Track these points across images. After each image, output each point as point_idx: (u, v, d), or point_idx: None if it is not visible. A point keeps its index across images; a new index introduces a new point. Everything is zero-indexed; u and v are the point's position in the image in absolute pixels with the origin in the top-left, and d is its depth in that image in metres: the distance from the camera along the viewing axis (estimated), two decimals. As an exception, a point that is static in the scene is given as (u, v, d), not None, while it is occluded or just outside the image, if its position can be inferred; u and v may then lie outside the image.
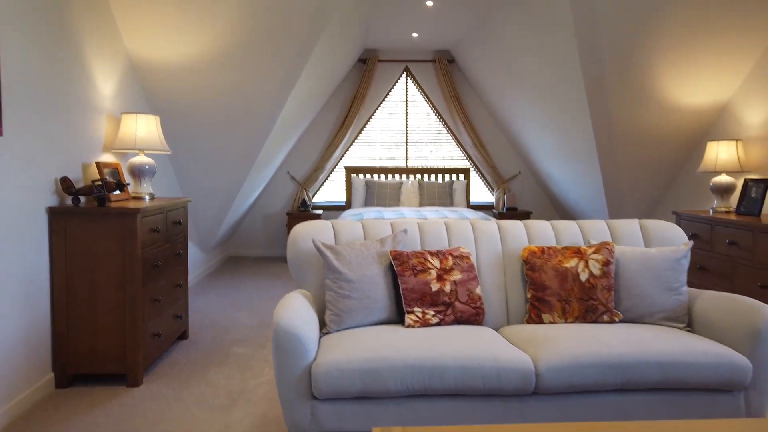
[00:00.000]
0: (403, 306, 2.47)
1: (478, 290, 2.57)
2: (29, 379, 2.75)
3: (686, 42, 4.12)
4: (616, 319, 2.50)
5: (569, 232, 2.78)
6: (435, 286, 2.49)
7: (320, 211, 7.07)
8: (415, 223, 2.81)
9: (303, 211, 6.92)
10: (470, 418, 2.11)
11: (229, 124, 4.65)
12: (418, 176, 7.23)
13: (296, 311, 2.18)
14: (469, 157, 7.36)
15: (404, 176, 7.23)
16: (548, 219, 7.34)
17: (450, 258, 2.59)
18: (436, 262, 2.55)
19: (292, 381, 2.06)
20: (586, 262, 2.54)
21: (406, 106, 7.37)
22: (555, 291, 2.54)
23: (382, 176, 7.21)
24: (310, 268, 2.60)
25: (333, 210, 7.32)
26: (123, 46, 3.85)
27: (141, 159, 3.62)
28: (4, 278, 2.56)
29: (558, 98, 5.15)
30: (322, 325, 2.45)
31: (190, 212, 5.40)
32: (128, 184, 3.28)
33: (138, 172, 3.60)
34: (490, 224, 2.82)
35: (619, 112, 4.71)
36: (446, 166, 7.36)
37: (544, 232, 2.78)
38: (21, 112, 2.68)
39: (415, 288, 2.48)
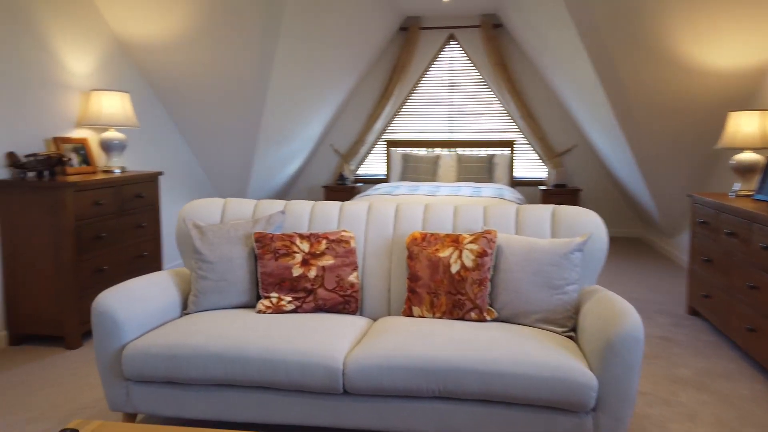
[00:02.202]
0: (259, 290, 2.38)
1: (352, 277, 2.41)
2: (-28, 335, 3.05)
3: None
4: (487, 317, 2.22)
5: (469, 217, 2.49)
6: (297, 272, 2.37)
7: (360, 184, 7.04)
8: (310, 204, 2.67)
9: (341, 185, 6.92)
10: (277, 413, 1.99)
11: (224, 97, 4.73)
12: (459, 150, 6.90)
13: (127, 291, 2.18)
14: (521, 129, 6.88)
15: (445, 150, 6.94)
16: (599, 196, 6.69)
17: (324, 242, 2.44)
18: (304, 246, 2.42)
19: (107, 360, 2.08)
20: (461, 252, 2.27)
21: (451, 76, 7.02)
22: (426, 282, 2.30)
23: (421, 150, 6.98)
24: (189, 248, 2.59)
25: (373, 183, 7.25)
26: (106, 26, 4.04)
27: (110, 134, 3.80)
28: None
29: (565, 61, 4.62)
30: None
31: (214, 185, 5.63)
32: (68, 159, 3.45)
33: (107, 147, 3.80)
34: (387, 206, 2.61)
35: (631, 77, 4.12)
36: (490, 139, 6.94)
37: (442, 214, 2.52)
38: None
39: (274, 272, 2.37)
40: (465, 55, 6.90)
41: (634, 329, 1.81)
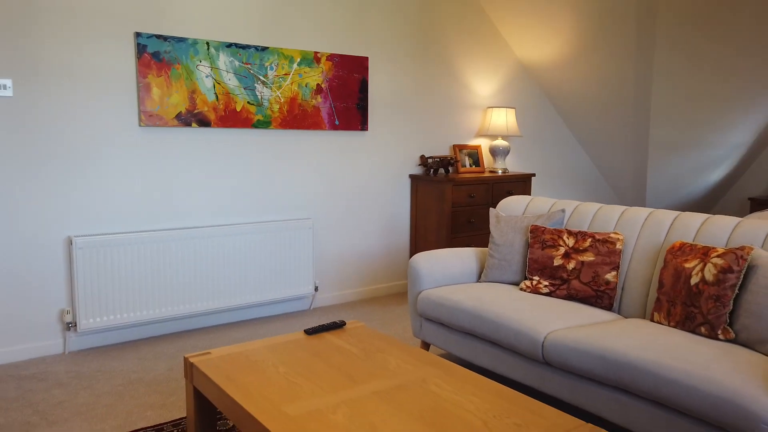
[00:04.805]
0: (526, 272, 2.85)
1: (609, 275, 2.63)
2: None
3: None
4: (721, 336, 2.09)
5: (749, 232, 2.30)
6: (558, 262, 2.75)
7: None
8: (576, 204, 2.94)
9: (777, 197, 6.06)
10: (500, 365, 2.49)
11: (608, 108, 5.02)
12: None
13: (433, 256, 3.03)
14: None
15: None
16: None
17: (589, 240, 2.72)
18: (569, 241, 2.76)
19: (412, 299, 2.99)
20: (704, 265, 2.20)
21: None
22: (667, 291, 2.32)
23: None
24: (497, 232, 3.25)
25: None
26: (510, 52, 5.00)
27: (496, 142, 4.75)
28: (376, 215, 4.37)
29: None
30: (483, 275, 3.13)
31: (613, 190, 5.97)
32: (455, 161, 4.49)
33: (494, 152, 4.77)
34: (666, 214, 2.64)
35: None
36: None
37: (719, 227, 2.41)
38: (382, 112, 4.37)
39: (539, 259, 2.81)
40: None
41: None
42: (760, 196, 6.29)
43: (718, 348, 1.99)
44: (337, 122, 4.04)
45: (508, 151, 4.74)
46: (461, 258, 3.11)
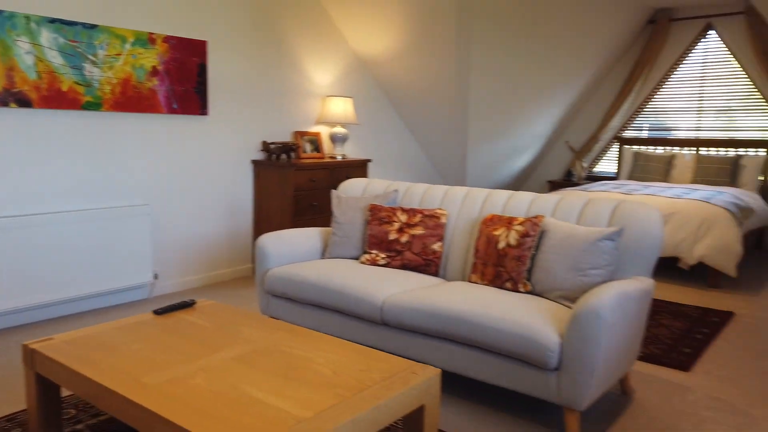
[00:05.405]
0: (365, 247, 3.14)
1: (436, 246, 2.99)
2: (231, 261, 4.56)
3: None
4: (521, 289, 2.55)
5: (540, 205, 2.80)
6: (393, 236, 3.06)
7: (588, 183, 7.07)
8: (407, 185, 3.31)
9: (567, 181, 7.10)
10: (343, 329, 2.75)
11: (433, 101, 5.54)
12: (702, 150, 6.35)
13: (279, 236, 3.19)
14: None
15: (685, 149, 6.46)
16: None
17: (419, 216, 3.07)
18: (403, 218, 3.09)
19: (259, 278, 3.12)
20: (509, 231, 2.64)
21: (703, 69, 6.46)
22: (481, 255, 2.74)
23: (657, 148, 6.63)
24: (338, 212, 3.49)
25: (602, 180, 7.17)
26: (345, 44, 5.26)
27: (335, 129, 5.00)
28: (218, 201, 4.37)
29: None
30: (326, 252, 3.36)
31: (438, 173, 6.54)
32: (297, 147, 4.67)
33: (333, 139, 5.01)
34: (479, 193, 3.07)
35: None
36: (741, 138, 6.18)
37: (520, 202, 2.88)
38: (223, 98, 4.40)
39: (377, 235, 3.11)
40: (723, 45, 6.28)
41: (598, 307, 2.01)
42: (556, 179, 7.35)
43: (519, 298, 2.42)
44: (175, 106, 3.98)
45: (346, 138, 5.01)
46: (306, 237, 3.30)
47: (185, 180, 4.15)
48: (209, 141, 4.27)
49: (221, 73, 4.29)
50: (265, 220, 4.57)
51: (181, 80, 3.99)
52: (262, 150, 4.63)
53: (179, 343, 2.01)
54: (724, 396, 2.60)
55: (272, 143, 4.54)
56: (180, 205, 4.13)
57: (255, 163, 4.59)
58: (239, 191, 4.52)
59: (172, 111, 3.96)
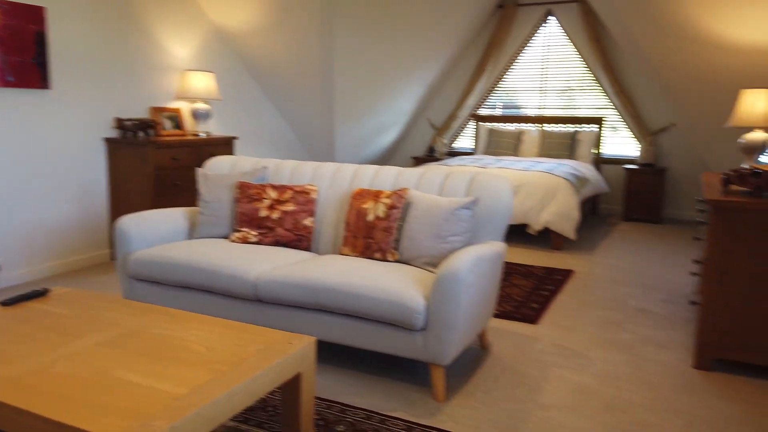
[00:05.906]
0: (235, 225, 3.11)
1: (307, 221, 3.03)
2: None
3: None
4: (390, 258, 2.69)
5: (405, 178, 2.95)
6: (264, 213, 3.05)
7: (449, 158, 7.47)
8: (276, 162, 3.32)
9: (429, 156, 7.44)
10: (215, 309, 2.72)
11: (299, 78, 5.52)
12: (547, 126, 6.98)
13: (141, 217, 3.04)
14: (615, 107, 6.74)
15: (532, 126, 7.07)
16: (689, 176, 6.36)
17: (290, 192, 3.08)
18: (273, 194, 3.09)
19: (120, 262, 2.97)
20: (377, 204, 2.76)
21: (546, 52, 7.07)
22: (352, 228, 2.84)
23: (508, 125, 7.18)
24: (204, 191, 3.40)
25: (461, 156, 7.62)
26: (204, 16, 5.04)
27: (197, 105, 4.80)
28: (67, 182, 4.03)
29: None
30: (193, 232, 3.26)
31: (306, 149, 6.54)
32: (155, 124, 4.45)
33: (195, 115, 4.81)
34: (348, 168, 3.16)
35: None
36: (579, 116, 6.89)
37: (385, 176, 3.01)
38: (67, 70, 4.05)
39: (247, 213, 3.08)
40: (562, 30, 6.90)
41: (457, 270, 2.19)
42: (420, 155, 7.69)
43: (388, 267, 2.56)
44: (10, 78, 3.60)
45: (209, 115, 4.84)
46: (171, 217, 3.18)
47: (26, 160, 3.77)
48: (53, 117, 3.91)
49: (64, 43, 3.93)
50: (123, 202, 4.30)
51: (17, 50, 3.60)
52: (115, 127, 4.33)
53: (35, 333, 1.88)
54: (566, 343, 2.96)
55: (127, 120, 4.26)
56: (21, 188, 3.76)
57: (108, 141, 4.29)
58: (91, 172, 4.21)
59: (6, 84, 3.57)
